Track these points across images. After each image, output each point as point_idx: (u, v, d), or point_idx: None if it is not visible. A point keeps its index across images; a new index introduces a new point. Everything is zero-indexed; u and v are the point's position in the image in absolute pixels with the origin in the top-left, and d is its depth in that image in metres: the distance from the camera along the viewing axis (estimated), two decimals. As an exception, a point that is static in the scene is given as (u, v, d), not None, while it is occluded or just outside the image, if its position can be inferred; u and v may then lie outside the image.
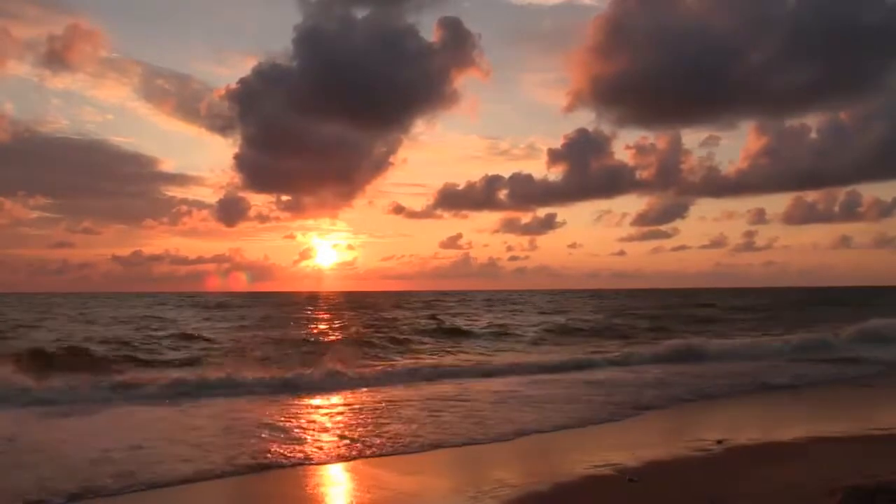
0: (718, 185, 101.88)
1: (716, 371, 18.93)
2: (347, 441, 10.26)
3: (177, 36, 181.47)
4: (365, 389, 15.81)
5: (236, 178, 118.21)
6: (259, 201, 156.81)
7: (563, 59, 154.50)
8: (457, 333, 31.63)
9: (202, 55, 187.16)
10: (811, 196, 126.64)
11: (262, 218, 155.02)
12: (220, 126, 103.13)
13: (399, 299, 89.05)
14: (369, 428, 11.22)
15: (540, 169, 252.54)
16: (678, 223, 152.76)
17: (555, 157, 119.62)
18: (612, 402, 13.79)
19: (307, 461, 9.13)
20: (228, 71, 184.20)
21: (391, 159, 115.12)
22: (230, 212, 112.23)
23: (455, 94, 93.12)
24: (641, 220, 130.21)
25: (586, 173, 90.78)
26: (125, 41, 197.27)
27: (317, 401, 14.29)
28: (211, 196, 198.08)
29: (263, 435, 10.54)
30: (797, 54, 67.00)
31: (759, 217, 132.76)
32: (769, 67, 65.15)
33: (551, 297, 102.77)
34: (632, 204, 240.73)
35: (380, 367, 19.80)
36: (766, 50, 65.70)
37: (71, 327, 34.29)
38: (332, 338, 29.50)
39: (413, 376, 18.02)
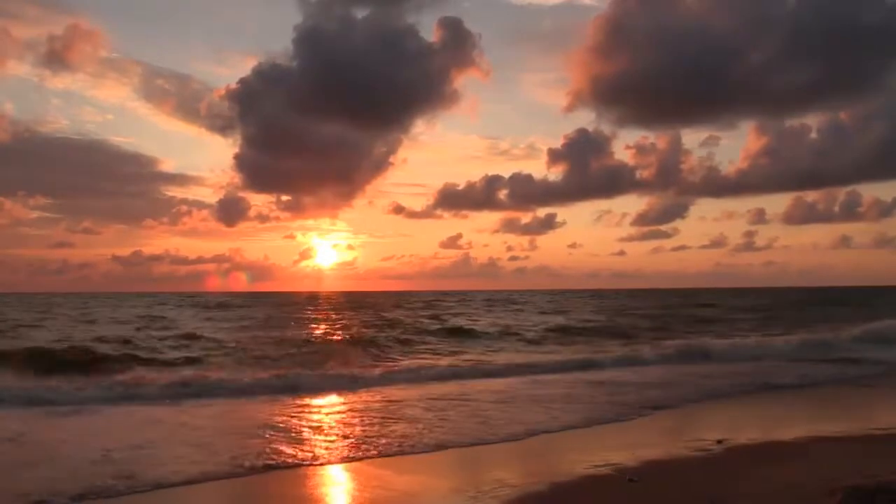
0: (718, 185, 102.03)
1: (718, 371, 18.95)
2: (350, 441, 10.27)
3: (177, 36, 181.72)
4: (368, 390, 15.81)
5: (236, 178, 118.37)
6: (259, 201, 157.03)
7: (563, 59, 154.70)
8: (459, 333, 31.58)
9: (202, 55, 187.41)
10: (811, 196, 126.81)
11: (262, 218, 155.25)
12: (220, 126, 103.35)
13: (399, 299, 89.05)
14: (374, 428, 11.21)
15: (540, 169, 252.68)
16: (678, 223, 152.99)
17: (555, 157, 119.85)
18: (616, 401, 13.81)
19: (311, 462, 9.13)
20: (228, 71, 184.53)
21: (391, 159, 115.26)
22: (230, 212, 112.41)
23: (455, 94, 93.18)
24: (641, 220, 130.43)
25: (586, 173, 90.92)
26: (125, 41, 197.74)
27: (319, 401, 14.31)
28: (211, 196, 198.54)
29: (266, 435, 10.55)
30: (797, 54, 67.08)
31: (759, 217, 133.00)
32: (769, 67, 65.22)
33: (551, 297, 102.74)
34: (632, 204, 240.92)
35: (383, 367, 19.83)
36: (766, 50, 65.77)
37: (71, 327, 34.29)
38: (334, 338, 29.50)
39: (416, 376, 18.04)
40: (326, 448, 9.85)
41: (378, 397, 14.63)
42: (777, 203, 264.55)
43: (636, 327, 36.16)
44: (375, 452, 9.62)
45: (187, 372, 17.53)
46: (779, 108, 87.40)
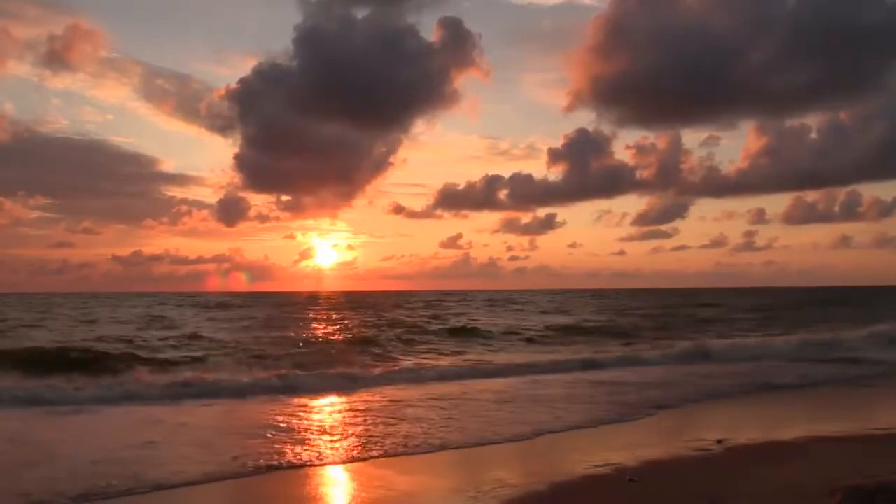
0: (718, 185, 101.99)
1: (718, 371, 18.97)
2: (352, 442, 10.27)
3: (177, 36, 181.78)
4: (369, 390, 15.79)
5: (236, 178, 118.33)
6: (259, 201, 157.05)
7: (563, 59, 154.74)
8: (460, 333, 31.57)
9: (202, 55, 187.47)
10: (811, 196, 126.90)
11: (262, 218, 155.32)
12: (220, 126, 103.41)
13: (399, 299, 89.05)
14: (378, 428, 11.20)
15: (540, 169, 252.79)
16: (678, 223, 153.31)
17: (555, 157, 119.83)
18: (620, 401, 13.83)
19: (314, 462, 9.13)
20: (228, 71, 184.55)
21: (391, 159, 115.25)
22: (230, 212, 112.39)
23: (455, 94, 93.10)
24: (641, 219, 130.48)
25: (586, 173, 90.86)
26: (125, 41, 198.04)
27: (320, 401, 14.30)
28: (211, 196, 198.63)
29: (268, 436, 10.55)
30: (797, 54, 67.06)
31: (759, 217, 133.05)
32: (769, 67, 65.18)
33: (552, 296, 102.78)
34: (632, 204, 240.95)
35: (384, 368, 19.80)
36: (766, 50, 65.75)
37: (72, 327, 34.30)
38: (335, 338, 29.50)
39: (417, 376, 18.05)
40: (327, 449, 9.85)
41: (380, 398, 14.62)
42: (777, 203, 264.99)
43: (640, 327, 36.22)
44: (379, 453, 9.60)
45: (188, 372, 17.52)
46: (779, 108, 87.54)
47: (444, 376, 18.13)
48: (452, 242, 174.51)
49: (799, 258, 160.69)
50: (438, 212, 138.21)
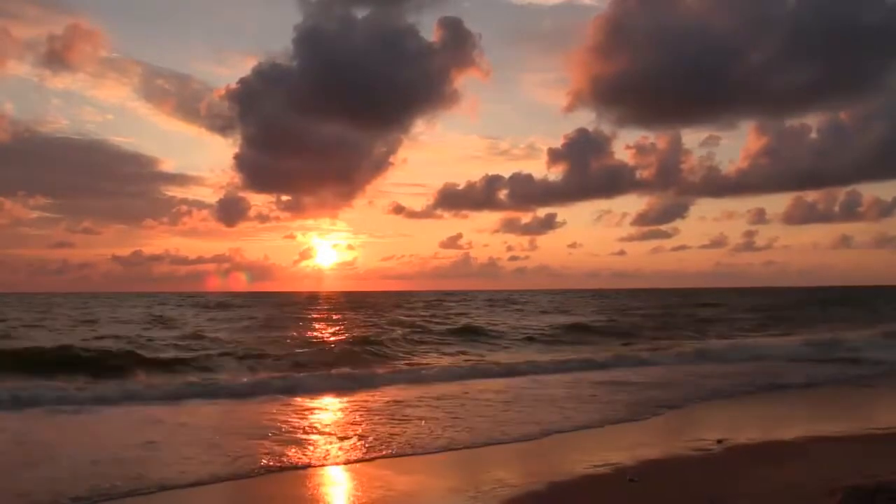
0: (718, 185, 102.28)
1: (718, 371, 18.99)
2: (355, 443, 10.25)
3: (177, 36, 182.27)
4: (371, 390, 15.76)
5: (236, 178, 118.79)
6: (259, 201, 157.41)
7: (563, 59, 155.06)
8: (462, 333, 31.49)
9: (202, 55, 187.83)
10: (811, 196, 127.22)
11: (262, 218, 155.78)
12: (220, 126, 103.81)
13: (400, 299, 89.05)
14: (383, 428, 11.19)
15: (540, 169, 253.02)
16: (678, 223, 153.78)
17: (555, 157, 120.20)
18: (625, 401, 13.86)
19: (316, 463, 9.12)
20: (228, 71, 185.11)
21: (391, 159, 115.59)
22: (230, 212, 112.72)
23: (455, 94, 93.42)
24: (641, 219, 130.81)
25: (586, 173, 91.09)
26: (125, 41, 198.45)
27: (322, 402, 14.28)
28: (211, 196, 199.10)
29: (269, 436, 10.54)
30: (797, 54, 67.18)
31: (759, 217, 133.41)
32: (769, 67, 65.31)
33: (552, 296, 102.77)
34: (632, 204, 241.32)
35: (386, 368, 19.78)
36: (766, 50, 65.88)
37: (72, 327, 34.28)
38: (336, 338, 29.48)
39: (421, 376, 18.05)
40: (329, 449, 9.85)
41: (382, 398, 14.60)
42: (777, 203, 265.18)
43: (637, 327, 36.19)
44: (385, 453, 9.58)
45: (188, 372, 17.53)
46: (779, 108, 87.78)
47: (446, 376, 18.10)
48: (452, 242, 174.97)
49: (799, 258, 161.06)
50: (438, 212, 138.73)
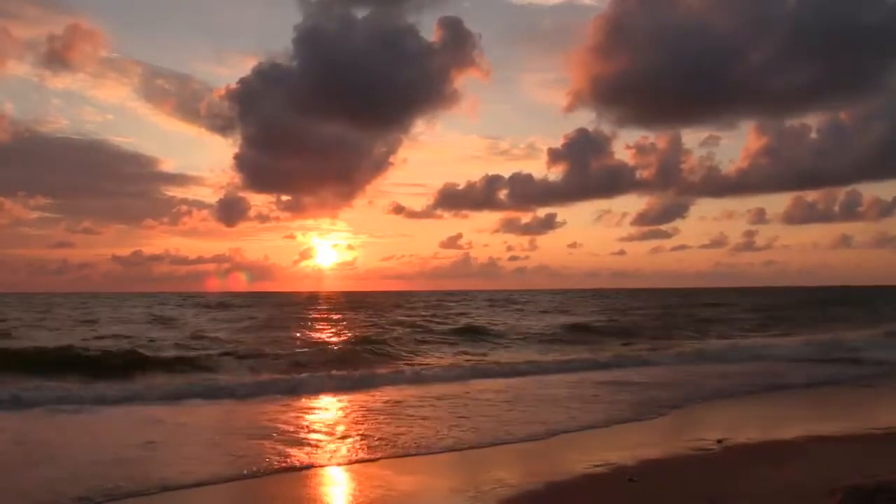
0: (718, 185, 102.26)
1: (718, 371, 19.01)
2: (359, 443, 10.25)
3: (177, 36, 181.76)
4: (373, 390, 15.76)
5: (236, 178, 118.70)
6: (259, 201, 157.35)
7: (563, 59, 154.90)
8: (463, 333, 31.46)
9: (202, 55, 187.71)
10: (811, 196, 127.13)
11: (262, 218, 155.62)
12: (220, 126, 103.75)
13: (400, 299, 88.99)
14: (387, 428, 11.18)
15: (540, 169, 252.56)
16: (678, 223, 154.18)
17: (555, 156, 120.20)
18: (628, 401, 13.86)
19: (318, 463, 9.11)
20: (228, 71, 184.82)
21: (391, 159, 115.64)
22: (230, 212, 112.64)
23: (455, 94, 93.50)
24: (641, 219, 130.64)
25: (586, 173, 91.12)
26: (125, 41, 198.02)
27: (325, 401, 14.29)
28: (211, 196, 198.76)
29: (271, 436, 10.53)
30: (797, 54, 67.18)
31: (759, 217, 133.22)
32: (769, 67, 65.33)
33: (552, 296, 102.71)
34: (632, 204, 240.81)
35: (388, 368, 19.76)
36: (766, 50, 65.89)
37: (72, 327, 34.29)
38: (339, 338, 29.47)
39: (423, 376, 18.04)
40: (334, 450, 9.84)
41: (383, 398, 14.60)
42: (777, 203, 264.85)
43: (638, 327, 36.18)
44: (388, 454, 9.56)
45: (189, 372, 17.52)
46: (779, 108, 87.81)
47: (447, 376, 18.09)
48: (452, 242, 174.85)
49: (799, 258, 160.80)
50: (438, 212, 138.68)
